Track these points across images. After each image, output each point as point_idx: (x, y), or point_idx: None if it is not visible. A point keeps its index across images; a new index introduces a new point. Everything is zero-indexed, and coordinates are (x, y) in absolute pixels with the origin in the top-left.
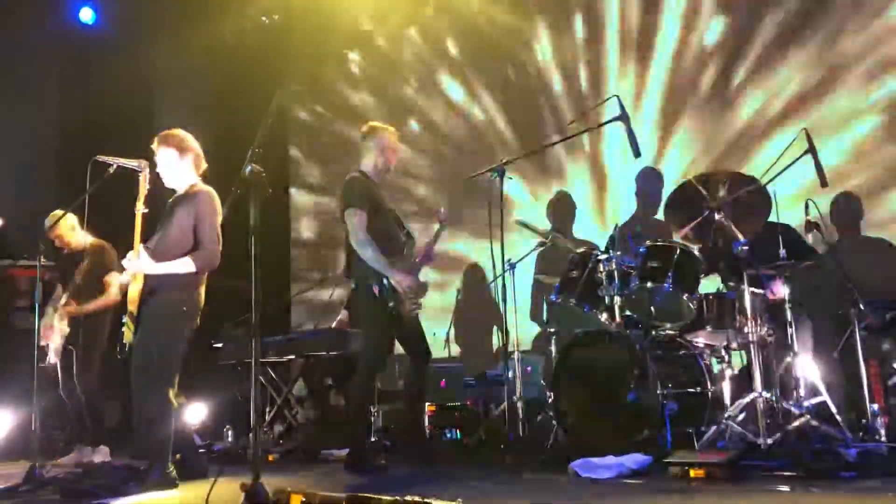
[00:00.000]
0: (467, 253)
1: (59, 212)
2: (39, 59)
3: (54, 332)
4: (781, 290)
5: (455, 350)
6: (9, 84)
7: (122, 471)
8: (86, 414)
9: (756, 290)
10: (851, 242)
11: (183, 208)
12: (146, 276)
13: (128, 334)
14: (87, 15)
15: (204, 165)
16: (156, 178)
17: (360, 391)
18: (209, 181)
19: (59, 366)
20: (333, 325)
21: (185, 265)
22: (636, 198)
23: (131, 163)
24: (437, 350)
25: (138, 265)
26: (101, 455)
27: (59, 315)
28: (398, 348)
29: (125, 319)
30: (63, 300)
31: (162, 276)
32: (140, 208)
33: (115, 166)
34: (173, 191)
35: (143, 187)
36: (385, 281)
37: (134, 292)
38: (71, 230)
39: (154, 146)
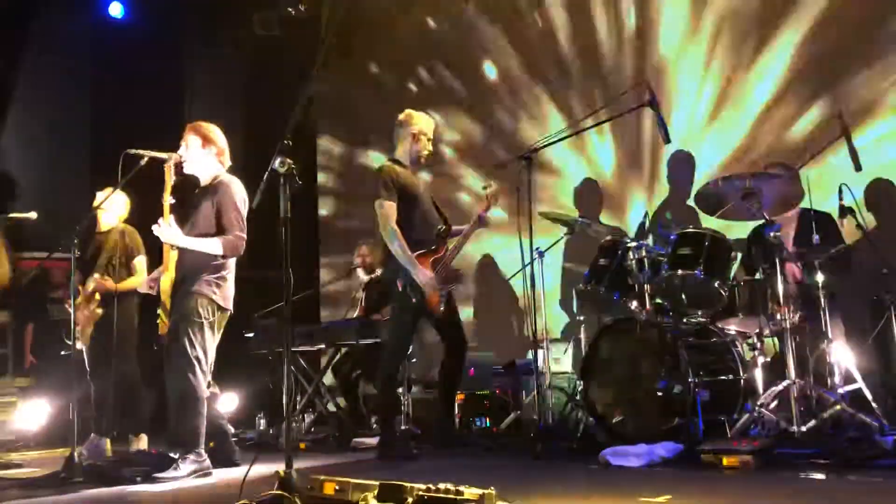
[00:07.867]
0: (494, 241)
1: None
2: (70, 54)
3: (85, 318)
4: (797, 272)
5: (480, 339)
6: (40, 79)
7: (158, 458)
8: (128, 401)
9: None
10: (889, 229)
11: (207, 199)
12: (177, 267)
13: (162, 326)
14: (116, 10)
15: (229, 162)
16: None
17: (385, 381)
18: (239, 173)
19: (86, 353)
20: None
21: (212, 245)
22: (668, 183)
23: (162, 155)
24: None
25: (169, 233)
26: (141, 443)
27: (88, 298)
28: (434, 337)
29: (159, 311)
30: (96, 276)
31: (192, 266)
32: (168, 199)
33: (146, 159)
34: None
35: (169, 178)
36: (409, 275)
37: (166, 283)
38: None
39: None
